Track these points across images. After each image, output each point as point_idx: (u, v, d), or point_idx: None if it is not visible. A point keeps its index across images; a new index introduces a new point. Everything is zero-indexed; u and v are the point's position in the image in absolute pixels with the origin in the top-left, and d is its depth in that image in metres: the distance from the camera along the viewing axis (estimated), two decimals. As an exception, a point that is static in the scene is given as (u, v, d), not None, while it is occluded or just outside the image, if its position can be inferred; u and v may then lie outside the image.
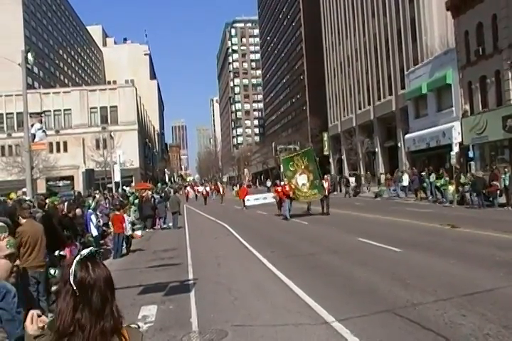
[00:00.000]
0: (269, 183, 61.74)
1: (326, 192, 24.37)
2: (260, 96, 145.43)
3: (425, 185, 29.18)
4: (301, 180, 24.46)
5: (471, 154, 31.71)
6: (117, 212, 16.51)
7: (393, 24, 47.14)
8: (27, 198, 12.86)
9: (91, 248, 1.96)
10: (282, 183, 27.70)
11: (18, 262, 3.25)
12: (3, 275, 3.23)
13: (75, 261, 1.88)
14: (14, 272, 3.27)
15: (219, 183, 61.82)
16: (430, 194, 28.82)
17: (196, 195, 54.77)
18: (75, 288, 1.83)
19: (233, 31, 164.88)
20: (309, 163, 24.59)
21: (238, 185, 56.00)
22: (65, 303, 1.85)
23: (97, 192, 27.39)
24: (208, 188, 53.41)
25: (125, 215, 16.81)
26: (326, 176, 27.56)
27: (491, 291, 7.57)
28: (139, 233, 17.58)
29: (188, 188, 62.54)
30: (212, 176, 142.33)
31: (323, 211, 24.44)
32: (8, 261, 3.23)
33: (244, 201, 34.60)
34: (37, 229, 7.67)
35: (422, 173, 30.32)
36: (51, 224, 9.25)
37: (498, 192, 22.19)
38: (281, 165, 26.33)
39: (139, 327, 2.14)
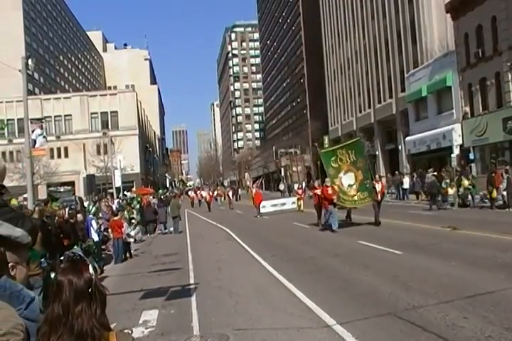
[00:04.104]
0: (282, 186, 60.59)
1: (379, 197, 19.26)
2: (261, 101, 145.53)
3: (444, 186, 25.35)
4: (347, 179, 19.14)
5: (471, 156, 31.73)
6: (115, 218, 16.52)
7: (393, 26, 47.22)
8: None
9: (73, 252, 2.00)
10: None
11: None
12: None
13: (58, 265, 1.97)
14: None
15: (221, 187, 59.63)
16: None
17: (200, 201, 50.74)
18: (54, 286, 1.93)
19: (233, 36, 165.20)
20: (358, 157, 19.26)
21: (232, 189, 53.06)
22: (51, 300, 1.93)
23: (96, 197, 27.32)
24: (212, 193, 51.34)
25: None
26: (377, 176, 22.53)
27: (493, 293, 7.54)
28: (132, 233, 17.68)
29: (191, 193, 60.48)
30: (213, 180, 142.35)
31: (376, 220, 18.95)
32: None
33: (259, 208, 30.28)
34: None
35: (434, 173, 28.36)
36: (48, 231, 9.25)
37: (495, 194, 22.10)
38: (322, 161, 20.67)
39: (132, 332, 2.14)
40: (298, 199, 31.77)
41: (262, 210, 30.15)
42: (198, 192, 56.90)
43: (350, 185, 19.05)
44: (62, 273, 1.94)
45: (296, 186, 45.05)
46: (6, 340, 1.86)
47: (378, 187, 19.25)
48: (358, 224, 19.42)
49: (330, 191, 18.76)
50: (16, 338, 1.88)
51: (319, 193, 20.67)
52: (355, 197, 19.01)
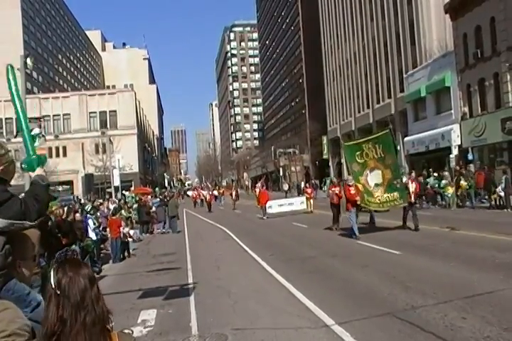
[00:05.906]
0: (286, 187, 60.17)
1: (413, 198, 16.81)
2: (259, 100, 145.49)
3: (442, 185, 25.59)
4: (374, 178, 16.50)
5: (470, 156, 31.72)
6: (113, 217, 16.52)
7: (392, 27, 47.22)
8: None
9: (65, 249, 2.00)
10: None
11: None
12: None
13: (53, 265, 1.93)
14: None
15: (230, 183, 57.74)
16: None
17: (202, 200, 48.86)
18: (55, 289, 1.88)
19: (232, 35, 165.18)
20: (386, 153, 16.15)
21: (235, 190, 51.47)
22: (51, 305, 1.88)
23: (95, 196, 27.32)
24: (211, 192, 50.11)
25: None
26: (412, 174, 19.83)
27: (491, 293, 7.54)
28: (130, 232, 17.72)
29: (191, 193, 59.03)
30: (212, 180, 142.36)
31: (404, 224, 16.80)
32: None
33: (265, 208, 28.18)
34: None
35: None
36: (47, 230, 9.23)
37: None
38: (345, 155, 17.97)
39: (132, 332, 2.14)
40: (307, 199, 29.39)
41: (268, 211, 28.09)
42: (200, 191, 54.55)
43: (376, 185, 16.41)
44: (65, 271, 1.89)
45: (302, 184, 43.92)
46: (12, 340, 1.88)
47: (412, 187, 16.95)
48: (387, 229, 17.22)
49: (353, 191, 16.44)
50: (20, 339, 1.90)
51: (337, 192, 19.03)
52: (383, 199, 16.34)
